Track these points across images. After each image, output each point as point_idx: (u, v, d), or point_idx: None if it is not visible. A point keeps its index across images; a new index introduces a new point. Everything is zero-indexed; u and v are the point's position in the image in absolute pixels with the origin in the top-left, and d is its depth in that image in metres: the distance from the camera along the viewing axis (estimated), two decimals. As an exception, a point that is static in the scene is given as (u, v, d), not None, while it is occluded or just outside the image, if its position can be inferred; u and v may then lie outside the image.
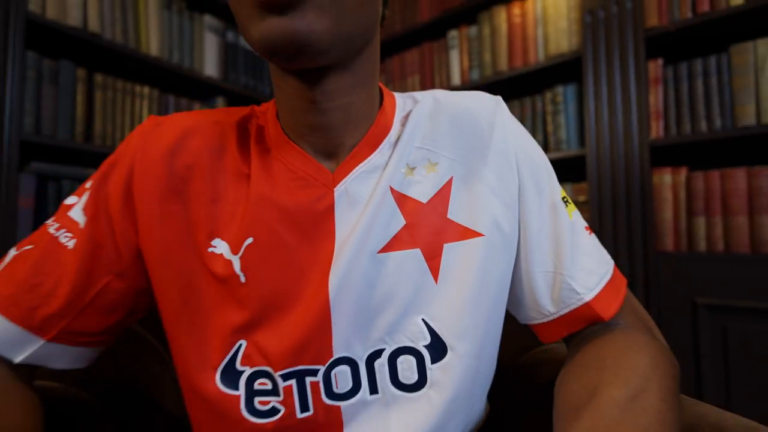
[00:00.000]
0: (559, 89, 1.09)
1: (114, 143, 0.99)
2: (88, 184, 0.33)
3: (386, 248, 0.31)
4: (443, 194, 0.33)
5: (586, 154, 1.02)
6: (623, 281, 0.35)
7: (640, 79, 0.95)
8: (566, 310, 0.33)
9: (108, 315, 0.32)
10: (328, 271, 0.30)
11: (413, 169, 0.33)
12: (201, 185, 0.32)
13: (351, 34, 0.27)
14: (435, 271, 0.32)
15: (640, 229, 0.93)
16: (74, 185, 0.92)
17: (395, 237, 0.32)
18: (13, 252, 0.32)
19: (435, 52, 1.34)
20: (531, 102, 1.15)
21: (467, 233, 0.32)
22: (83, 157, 0.97)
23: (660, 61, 0.95)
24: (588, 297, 0.32)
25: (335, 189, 0.32)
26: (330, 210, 0.32)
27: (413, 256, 0.31)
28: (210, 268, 0.31)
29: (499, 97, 0.37)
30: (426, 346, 0.31)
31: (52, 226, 0.32)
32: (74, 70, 0.93)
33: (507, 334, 0.40)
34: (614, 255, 0.95)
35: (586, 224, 0.36)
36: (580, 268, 0.33)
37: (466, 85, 1.26)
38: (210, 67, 1.21)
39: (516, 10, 1.17)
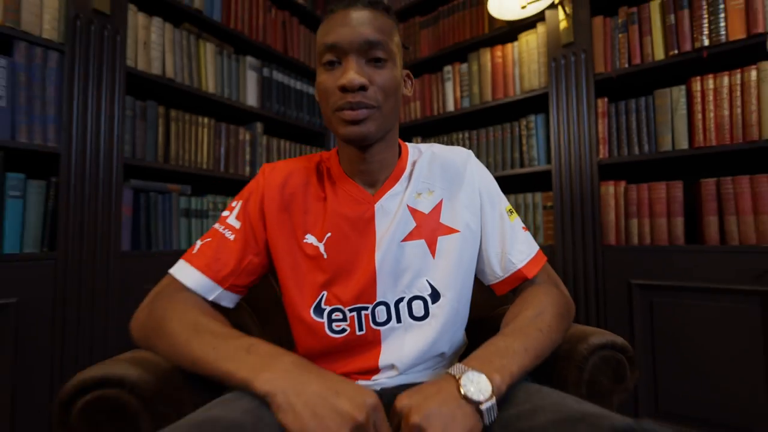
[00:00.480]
0: (532, 117, 1.38)
1: (184, 163, 1.27)
2: (234, 203, 0.60)
3: (405, 239, 0.56)
4: (437, 208, 0.59)
5: (552, 169, 1.30)
6: (543, 258, 0.61)
7: (591, 113, 1.24)
8: (508, 274, 0.59)
9: (250, 276, 0.58)
10: (374, 253, 0.55)
11: (420, 194, 0.59)
12: (298, 204, 0.58)
13: (387, 126, 0.54)
14: (433, 252, 0.57)
15: (591, 228, 1.22)
16: (158, 196, 1.20)
17: (410, 233, 0.57)
18: (199, 243, 0.58)
19: (433, 83, 1.62)
20: (510, 127, 1.43)
21: (451, 230, 0.58)
22: (163, 174, 1.25)
23: (606, 100, 1.23)
24: (520, 266, 0.58)
25: (375, 205, 0.57)
26: (372, 218, 0.57)
27: (420, 244, 0.57)
28: (305, 251, 0.56)
29: (470, 151, 0.65)
30: (429, 295, 0.56)
31: (220, 227, 0.58)
32: (157, 108, 1.21)
33: (485, 301, 0.69)
34: (572, 247, 1.24)
35: (523, 225, 0.63)
36: (516, 250, 0.59)
37: (459, 111, 1.54)
38: (251, 98, 1.48)
39: (498, 52, 1.46)
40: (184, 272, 0.55)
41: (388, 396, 0.47)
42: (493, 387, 0.40)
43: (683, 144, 1.11)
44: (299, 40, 1.70)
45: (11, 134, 0.93)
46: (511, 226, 0.61)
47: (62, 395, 0.42)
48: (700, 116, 1.08)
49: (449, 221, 0.59)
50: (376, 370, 0.55)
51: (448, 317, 0.56)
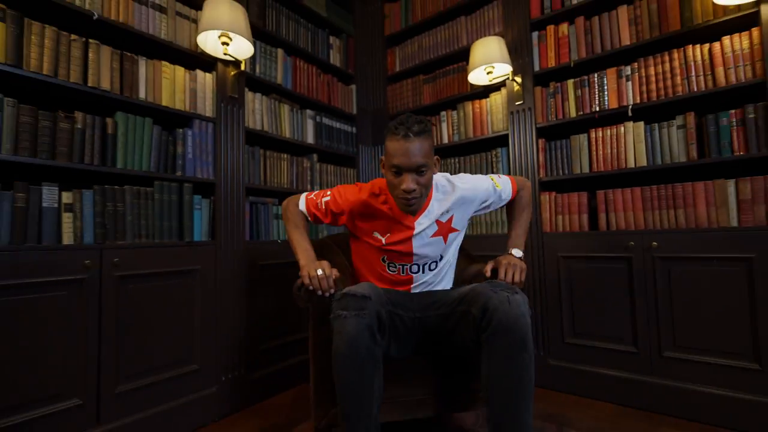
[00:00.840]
0: (499, 150, 2.08)
1: (273, 184, 1.97)
2: (328, 192, 1.30)
3: (432, 236, 1.24)
4: (450, 219, 1.24)
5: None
6: (514, 182, 1.32)
7: (535, 148, 1.93)
8: (504, 202, 1.32)
9: (320, 222, 1.32)
10: (412, 242, 1.22)
11: (441, 213, 1.23)
12: (370, 214, 1.27)
13: (425, 197, 1.18)
14: (445, 241, 1.25)
15: (536, 222, 1.91)
16: (261, 206, 1.90)
17: (434, 233, 1.23)
18: (316, 191, 1.34)
19: (433, 123, 2.33)
20: (485, 155, 2.13)
21: (455, 230, 1.27)
22: (264, 192, 1.96)
23: (543, 140, 1.94)
24: (508, 198, 1.31)
25: (414, 222, 1.23)
26: (412, 228, 1.22)
27: (440, 240, 1.24)
28: (372, 242, 1.27)
29: (487, 179, 1.33)
30: (438, 259, 1.26)
31: (328, 192, 1.30)
32: (259, 151, 1.92)
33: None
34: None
35: (500, 176, 1.33)
36: (505, 195, 1.30)
37: (451, 143, 2.24)
38: (309, 137, 2.19)
39: (477, 104, 2.16)
40: (302, 201, 1.29)
41: (419, 295, 1.20)
42: (522, 251, 1.15)
43: (587, 169, 1.82)
44: (338, 93, 2.41)
45: (193, 173, 1.64)
46: (500, 192, 1.29)
47: (296, 284, 1.12)
48: (595, 153, 1.79)
49: (456, 225, 1.27)
50: (409, 289, 1.27)
51: (445, 266, 1.28)
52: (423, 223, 1.21)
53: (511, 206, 1.34)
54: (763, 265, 1.37)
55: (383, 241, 1.24)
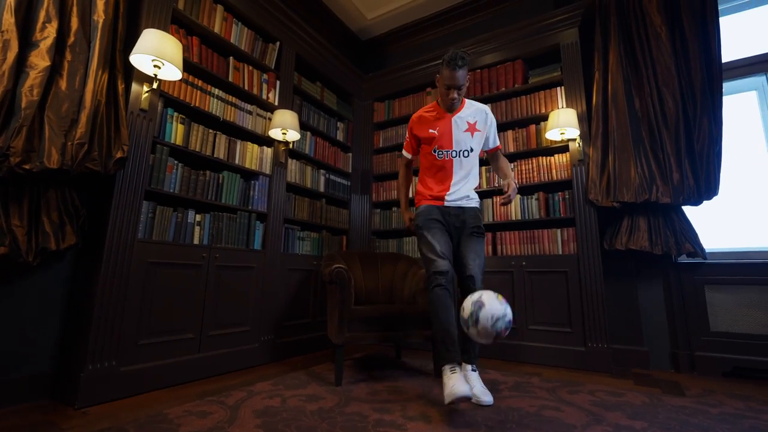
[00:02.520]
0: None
1: (298, 218, 3.07)
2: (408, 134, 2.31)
3: (464, 131, 2.05)
4: (475, 123, 2.07)
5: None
6: (499, 143, 2.40)
7: (463, 205, 3.15)
8: (491, 146, 2.19)
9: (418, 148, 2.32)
10: (452, 135, 2.04)
11: (468, 114, 2.06)
12: (425, 120, 2.10)
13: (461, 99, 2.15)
14: (472, 136, 2.06)
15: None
16: (290, 231, 2.98)
17: (465, 129, 2.04)
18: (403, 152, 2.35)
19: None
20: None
21: (477, 130, 2.08)
22: (295, 222, 3.05)
23: (468, 200, 3.17)
24: (495, 145, 2.20)
25: (452, 118, 2.05)
26: (450, 121, 2.05)
27: (468, 134, 2.05)
28: (429, 136, 2.07)
29: (487, 106, 2.67)
30: (469, 149, 2.05)
31: (406, 142, 2.34)
32: (293, 196, 3.03)
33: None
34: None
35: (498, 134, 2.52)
36: (493, 143, 2.17)
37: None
38: (321, 187, 3.33)
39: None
40: (403, 153, 2.33)
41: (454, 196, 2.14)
42: (515, 181, 2.30)
43: (490, 220, 3.04)
44: (341, 158, 3.59)
45: (257, 207, 2.71)
46: (495, 136, 2.29)
47: (324, 271, 2.20)
48: (494, 210, 3.02)
49: (479, 127, 2.06)
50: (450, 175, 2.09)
51: (473, 156, 2.07)
52: (458, 115, 2.04)
53: (499, 161, 2.21)
54: (573, 275, 2.60)
55: (436, 133, 2.03)
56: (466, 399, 1.58)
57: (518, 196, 2.94)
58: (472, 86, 3.28)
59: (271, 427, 1.49)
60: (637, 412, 1.70)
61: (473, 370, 1.90)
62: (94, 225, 1.94)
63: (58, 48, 1.71)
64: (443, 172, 2.05)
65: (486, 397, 1.78)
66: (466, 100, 2.12)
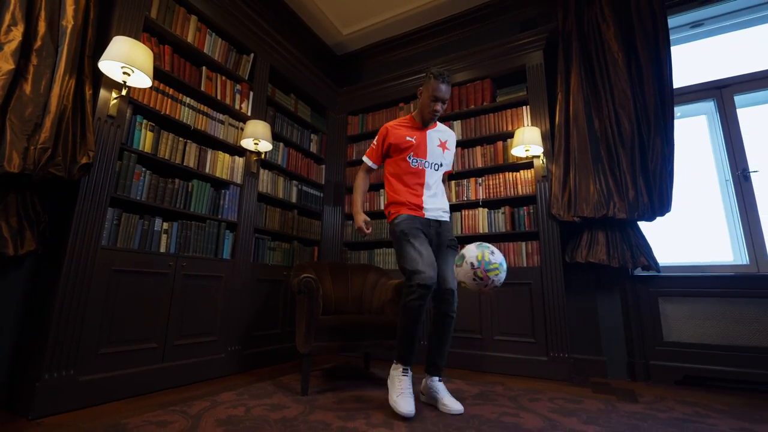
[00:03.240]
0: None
1: (269, 228, 3.07)
2: (375, 140, 2.33)
3: (437, 146, 2.13)
4: (445, 142, 2.17)
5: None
6: (451, 170, 2.62)
7: (433, 217, 3.23)
8: (447, 168, 2.15)
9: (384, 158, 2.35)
10: (426, 148, 2.11)
11: (440, 134, 2.17)
12: (401, 130, 2.18)
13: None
14: (443, 152, 2.15)
15: (431, 261, 3.15)
16: (260, 240, 2.97)
17: (437, 144, 2.13)
18: (364, 157, 2.36)
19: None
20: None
21: (447, 148, 2.18)
22: (263, 232, 3.04)
23: (438, 213, 3.24)
24: (449, 168, 2.24)
25: (426, 132, 2.14)
26: (426, 129, 2.15)
27: (440, 150, 2.14)
28: (405, 144, 2.10)
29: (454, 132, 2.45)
30: (439, 165, 2.14)
31: (372, 145, 2.33)
32: (263, 206, 3.03)
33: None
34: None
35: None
36: (449, 167, 2.35)
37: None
38: (294, 198, 3.34)
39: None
40: (364, 158, 2.29)
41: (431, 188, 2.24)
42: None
43: (458, 233, 3.12)
44: (314, 170, 3.62)
45: (227, 216, 2.70)
46: (453, 161, 2.39)
47: (293, 281, 2.22)
48: (463, 223, 3.11)
49: (449, 146, 2.16)
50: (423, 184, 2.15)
51: (441, 172, 2.15)
52: (433, 131, 2.15)
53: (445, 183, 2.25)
54: (536, 287, 2.69)
55: (414, 141, 2.09)
56: (408, 418, 1.71)
57: (486, 209, 3.04)
58: (443, 103, 3.40)
59: (232, 436, 1.47)
60: (591, 418, 1.77)
61: (439, 380, 1.94)
62: (56, 231, 1.90)
63: (24, 51, 1.69)
64: (416, 180, 2.08)
65: (456, 405, 1.82)
66: (437, 122, 2.22)
